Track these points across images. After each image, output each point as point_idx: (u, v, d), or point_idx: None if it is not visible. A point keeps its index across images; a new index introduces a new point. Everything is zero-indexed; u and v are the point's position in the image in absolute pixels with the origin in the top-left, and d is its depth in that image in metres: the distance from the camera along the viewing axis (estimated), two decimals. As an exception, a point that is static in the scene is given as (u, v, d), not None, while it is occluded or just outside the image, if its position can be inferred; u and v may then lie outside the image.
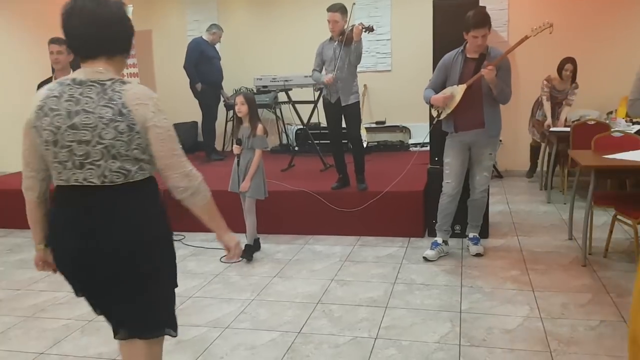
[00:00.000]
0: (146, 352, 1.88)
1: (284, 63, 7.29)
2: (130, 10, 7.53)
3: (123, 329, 1.88)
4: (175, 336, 1.91)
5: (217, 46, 6.91)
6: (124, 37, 1.73)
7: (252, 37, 7.58)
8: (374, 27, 4.49)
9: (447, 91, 3.88)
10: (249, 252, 4.22)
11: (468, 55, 3.85)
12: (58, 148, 1.66)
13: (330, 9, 4.49)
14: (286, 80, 6.39)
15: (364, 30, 4.38)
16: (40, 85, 4.33)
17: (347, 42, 4.45)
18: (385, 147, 7.02)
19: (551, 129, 5.70)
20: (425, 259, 4.04)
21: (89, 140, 1.62)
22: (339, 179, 4.88)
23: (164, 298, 1.87)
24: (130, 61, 7.66)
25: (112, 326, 1.91)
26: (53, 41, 4.38)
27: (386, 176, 4.98)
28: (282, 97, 6.55)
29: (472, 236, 4.21)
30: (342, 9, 4.50)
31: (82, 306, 3.50)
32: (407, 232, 4.64)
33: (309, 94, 6.28)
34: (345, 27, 4.51)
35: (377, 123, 7.18)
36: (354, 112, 4.66)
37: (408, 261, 4.08)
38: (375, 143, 7.07)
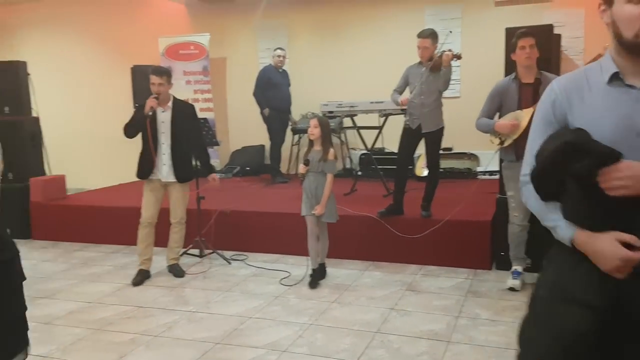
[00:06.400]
0: None
1: (350, 89, 7.35)
2: (207, 38, 7.92)
3: None
4: None
5: (289, 71, 7.11)
6: None
7: (320, 64, 7.71)
8: (462, 55, 4.41)
9: (509, 116, 3.77)
10: (315, 280, 4.20)
11: (523, 81, 3.76)
12: None
13: (421, 35, 4.48)
14: (352, 106, 6.43)
15: (453, 57, 4.32)
16: (137, 106, 4.50)
17: (434, 67, 4.41)
18: (452, 174, 6.86)
19: None
20: (513, 289, 3.92)
21: None
22: (390, 206, 4.74)
23: None
24: (204, 87, 8.05)
25: None
26: (154, 72, 4.24)
27: (451, 204, 4.84)
28: (347, 122, 6.59)
29: None
30: (432, 35, 4.47)
31: (149, 321, 3.62)
32: (472, 264, 4.47)
33: (374, 119, 6.28)
34: (436, 52, 4.49)
35: (444, 150, 7.01)
36: (436, 139, 4.60)
37: (473, 294, 3.92)
38: (442, 170, 6.92)
